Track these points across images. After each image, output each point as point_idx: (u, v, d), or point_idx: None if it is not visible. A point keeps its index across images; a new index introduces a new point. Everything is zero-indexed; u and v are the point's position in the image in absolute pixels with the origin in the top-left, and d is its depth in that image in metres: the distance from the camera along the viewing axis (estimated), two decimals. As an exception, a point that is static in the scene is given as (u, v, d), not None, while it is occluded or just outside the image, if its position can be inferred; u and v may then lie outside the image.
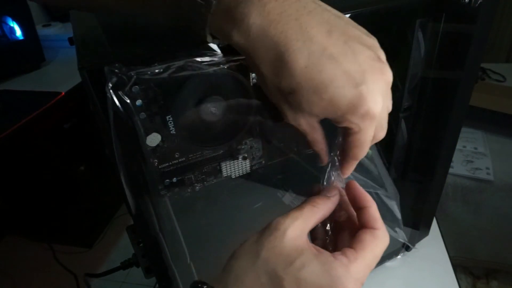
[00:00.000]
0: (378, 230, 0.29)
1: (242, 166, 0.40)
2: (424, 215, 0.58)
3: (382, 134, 0.28)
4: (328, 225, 0.32)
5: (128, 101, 0.26)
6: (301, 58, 0.24)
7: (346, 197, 0.32)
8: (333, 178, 0.32)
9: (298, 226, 0.27)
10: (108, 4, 0.29)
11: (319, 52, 0.24)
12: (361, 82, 0.24)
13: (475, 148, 1.26)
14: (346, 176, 0.32)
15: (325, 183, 0.33)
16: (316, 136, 0.30)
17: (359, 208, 0.30)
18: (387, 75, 0.26)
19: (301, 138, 0.29)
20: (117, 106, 0.26)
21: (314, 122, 0.28)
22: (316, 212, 0.29)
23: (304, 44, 0.24)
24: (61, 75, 1.28)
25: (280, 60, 0.24)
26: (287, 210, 0.29)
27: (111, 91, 0.25)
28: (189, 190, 0.38)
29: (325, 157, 0.32)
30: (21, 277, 1.41)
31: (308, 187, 0.34)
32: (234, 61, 0.30)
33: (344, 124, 0.26)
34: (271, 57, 0.24)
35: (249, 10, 0.23)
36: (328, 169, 0.32)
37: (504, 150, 1.25)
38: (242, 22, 0.24)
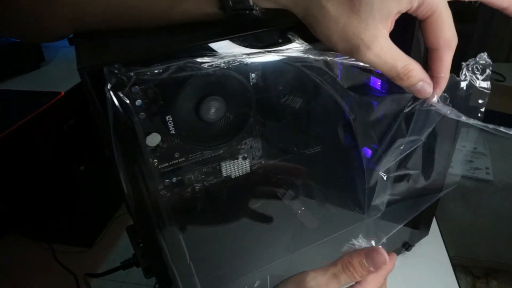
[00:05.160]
0: None
1: (242, 166, 0.40)
2: (424, 215, 0.58)
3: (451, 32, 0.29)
4: None
5: (128, 101, 0.26)
6: None
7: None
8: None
9: None
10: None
11: None
12: None
13: (475, 148, 1.26)
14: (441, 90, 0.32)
15: None
16: (398, 55, 0.29)
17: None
18: None
19: (301, 139, 0.29)
20: (116, 107, 0.26)
21: (387, 32, 0.28)
22: None
23: None
24: (60, 75, 1.28)
25: None
26: (286, 211, 0.29)
27: (110, 92, 0.25)
28: (189, 190, 0.38)
29: (429, 85, 0.32)
30: (21, 277, 1.41)
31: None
32: (235, 61, 0.30)
33: (421, 6, 0.27)
34: None
35: None
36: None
37: (503, 149, 1.25)
38: None
